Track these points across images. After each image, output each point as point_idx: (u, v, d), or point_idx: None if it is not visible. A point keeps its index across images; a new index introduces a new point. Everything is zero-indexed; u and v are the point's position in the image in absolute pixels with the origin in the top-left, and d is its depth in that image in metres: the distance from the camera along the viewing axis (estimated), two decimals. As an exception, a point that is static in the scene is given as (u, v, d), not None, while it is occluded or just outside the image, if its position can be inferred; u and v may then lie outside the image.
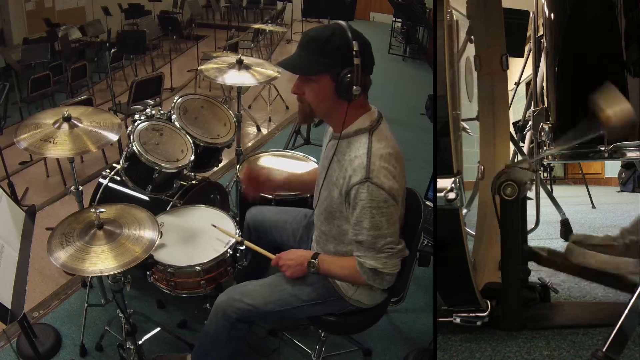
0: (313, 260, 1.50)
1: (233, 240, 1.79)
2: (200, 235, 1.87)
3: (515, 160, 3.08)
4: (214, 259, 1.74)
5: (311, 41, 1.33)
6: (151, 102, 4.29)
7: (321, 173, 1.51)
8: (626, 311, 1.23)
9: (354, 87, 1.31)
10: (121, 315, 1.60)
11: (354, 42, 1.29)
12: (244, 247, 1.80)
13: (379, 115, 1.43)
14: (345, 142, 1.41)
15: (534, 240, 2.92)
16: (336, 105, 1.37)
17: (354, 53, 1.29)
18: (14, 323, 1.60)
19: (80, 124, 1.73)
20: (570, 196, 5.10)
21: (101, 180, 2.21)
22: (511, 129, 2.43)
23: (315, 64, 1.32)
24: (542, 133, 1.53)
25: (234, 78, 2.39)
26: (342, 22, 1.34)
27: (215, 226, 1.81)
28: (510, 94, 2.60)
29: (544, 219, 2.96)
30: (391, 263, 1.39)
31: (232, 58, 2.47)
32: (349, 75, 1.30)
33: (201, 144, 2.19)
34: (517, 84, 3.22)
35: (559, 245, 2.88)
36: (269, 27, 6.06)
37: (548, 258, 1.59)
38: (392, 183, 1.33)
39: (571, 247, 1.57)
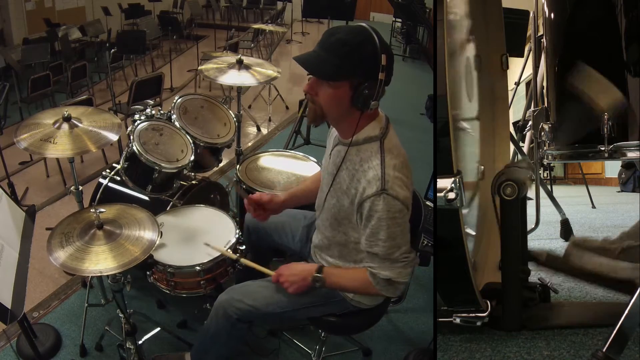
0: (318, 275, 1.45)
1: (233, 240, 1.79)
2: (200, 235, 1.87)
3: (515, 160, 3.09)
4: (214, 259, 1.74)
5: (339, 44, 1.24)
6: (151, 102, 4.31)
7: (326, 178, 1.49)
8: (626, 311, 1.23)
9: (372, 102, 1.27)
10: (121, 315, 1.60)
11: (382, 55, 1.24)
12: (243, 247, 1.80)
13: (386, 120, 1.40)
14: (354, 150, 1.37)
15: (534, 240, 2.92)
16: (348, 113, 1.32)
17: (381, 67, 1.24)
18: (14, 323, 1.60)
19: (80, 124, 1.74)
20: (570, 196, 5.10)
21: (101, 180, 2.21)
22: (511, 129, 2.43)
23: (338, 70, 1.25)
24: (542, 133, 1.53)
25: (234, 78, 2.39)
26: (370, 29, 1.25)
27: (208, 244, 1.73)
28: (510, 94, 2.61)
29: (544, 219, 2.95)
30: (405, 272, 1.38)
31: (232, 58, 2.47)
32: (369, 88, 1.25)
33: (201, 144, 2.19)
34: (517, 84, 3.22)
35: (559, 245, 2.88)
36: (269, 27, 6.07)
37: (547, 262, 1.59)
38: (406, 192, 1.31)
39: (570, 249, 1.58)
